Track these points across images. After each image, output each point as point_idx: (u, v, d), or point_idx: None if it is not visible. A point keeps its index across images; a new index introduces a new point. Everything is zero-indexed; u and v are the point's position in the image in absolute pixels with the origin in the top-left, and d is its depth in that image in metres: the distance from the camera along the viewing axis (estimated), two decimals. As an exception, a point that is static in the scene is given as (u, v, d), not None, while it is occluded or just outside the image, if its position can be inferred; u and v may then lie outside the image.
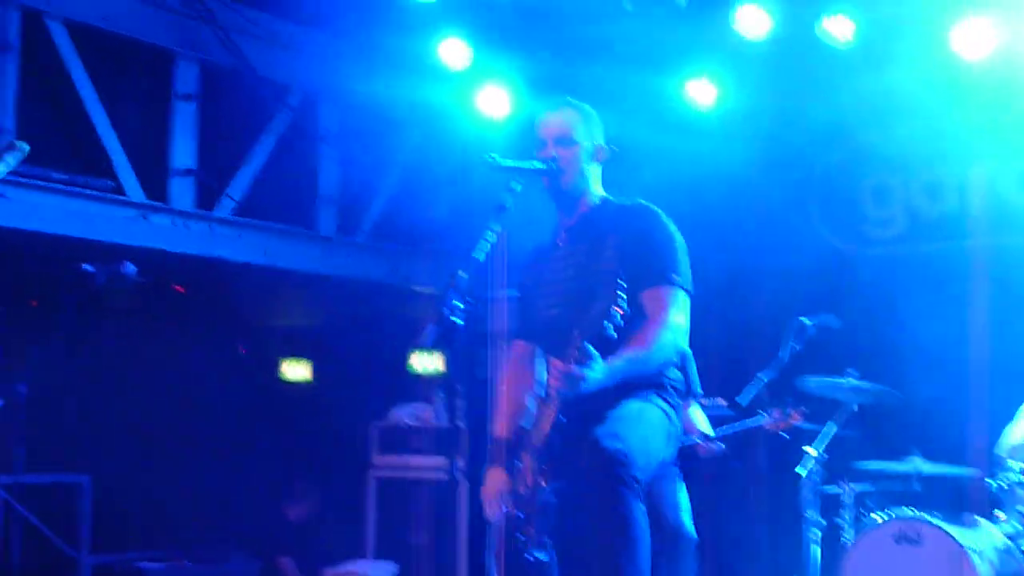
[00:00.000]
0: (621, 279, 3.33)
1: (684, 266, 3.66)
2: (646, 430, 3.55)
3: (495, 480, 3.75)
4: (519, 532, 3.70)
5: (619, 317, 3.22)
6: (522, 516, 3.68)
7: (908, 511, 5.59)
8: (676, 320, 3.59)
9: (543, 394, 3.60)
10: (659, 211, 3.78)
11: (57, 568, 7.25)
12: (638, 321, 3.49)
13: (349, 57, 7.80)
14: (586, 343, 3.26)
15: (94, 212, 6.84)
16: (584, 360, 3.31)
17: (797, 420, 5.67)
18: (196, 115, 7.34)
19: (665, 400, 3.73)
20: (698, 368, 5.64)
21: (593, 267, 3.67)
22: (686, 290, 3.61)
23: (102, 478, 7.66)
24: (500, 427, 3.89)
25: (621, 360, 3.42)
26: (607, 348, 3.38)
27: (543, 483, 3.53)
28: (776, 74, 7.00)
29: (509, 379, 4.00)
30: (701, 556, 6.47)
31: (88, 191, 6.83)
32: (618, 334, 3.33)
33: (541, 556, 3.60)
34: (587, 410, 3.47)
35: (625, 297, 3.22)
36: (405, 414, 8.18)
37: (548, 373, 3.43)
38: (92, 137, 6.89)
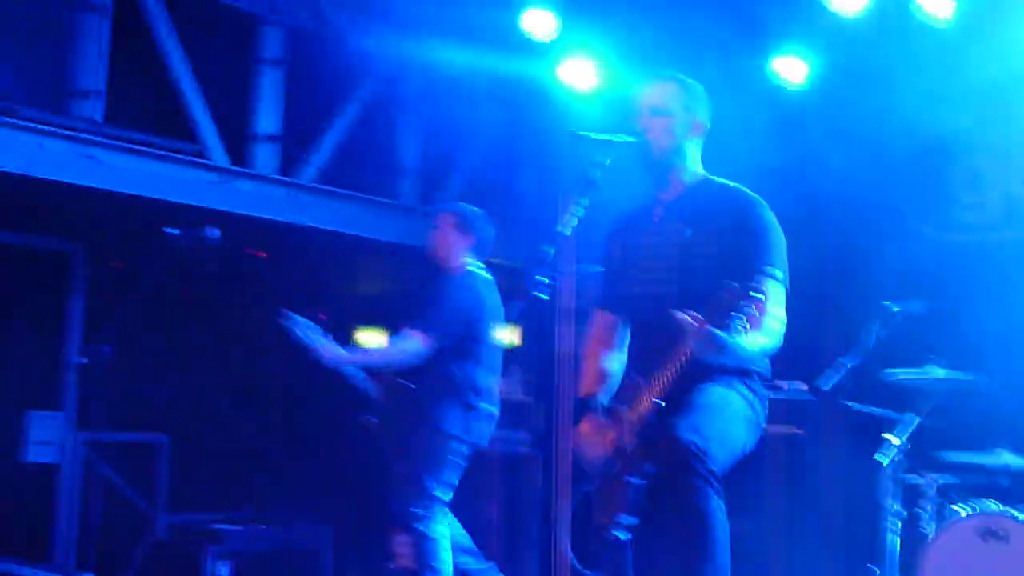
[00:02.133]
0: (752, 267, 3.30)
1: (782, 260, 3.58)
2: (727, 421, 3.51)
3: (590, 427, 3.70)
4: (602, 511, 3.63)
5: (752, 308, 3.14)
6: (606, 488, 3.63)
7: (994, 505, 5.37)
8: (777, 313, 3.52)
9: (642, 374, 3.54)
10: (760, 200, 3.68)
11: (134, 525, 7.29)
12: None
13: (434, 26, 7.70)
14: (735, 314, 3.17)
15: (178, 175, 6.87)
16: (726, 329, 3.21)
17: None
18: (281, 81, 7.32)
19: (750, 388, 3.65)
20: (780, 351, 5.51)
21: (694, 249, 3.60)
22: (784, 284, 3.51)
23: (180, 438, 7.68)
24: (586, 385, 3.83)
25: (742, 339, 3.31)
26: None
27: (640, 462, 3.47)
28: (868, 52, 6.77)
29: (594, 346, 3.92)
30: (777, 543, 6.34)
31: (173, 154, 6.85)
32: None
33: (621, 536, 3.53)
34: (673, 394, 3.41)
35: (762, 293, 3.13)
36: (480, 388, 8.10)
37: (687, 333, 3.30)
38: (178, 101, 6.91)
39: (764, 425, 3.71)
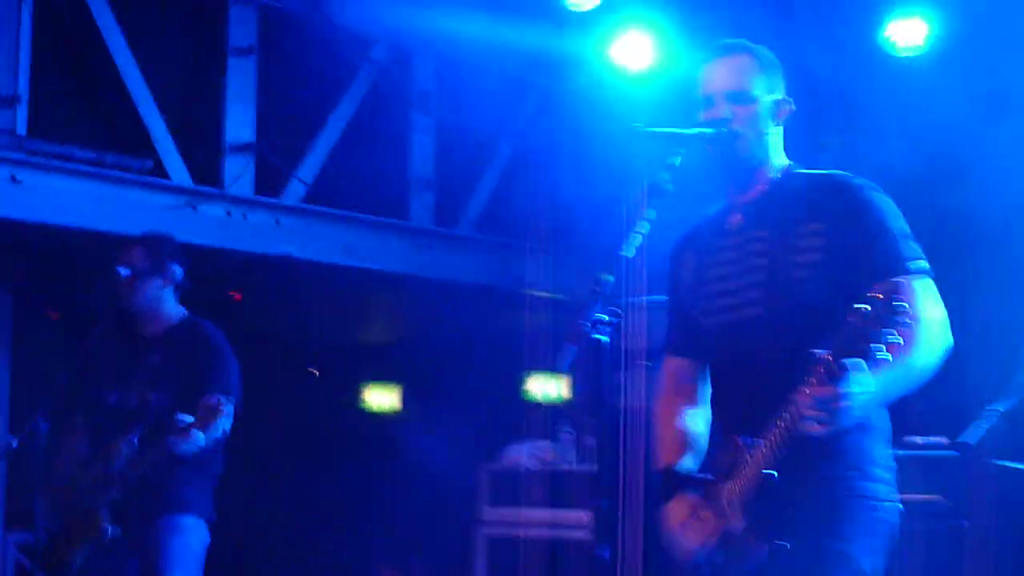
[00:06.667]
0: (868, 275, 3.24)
1: (917, 246, 3.46)
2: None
3: (681, 508, 3.61)
4: None
5: (896, 336, 3.00)
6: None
7: None
8: (934, 313, 3.39)
9: (747, 440, 3.47)
10: (868, 182, 3.56)
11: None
12: None
13: (449, -1, 7.69)
14: (843, 359, 3.04)
15: (129, 199, 6.84)
16: (842, 378, 3.07)
17: None
18: (255, 75, 7.31)
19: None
20: (912, 397, 5.44)
21: (787, 259, 3.51)
22: (930, 273, 3.42)
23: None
24: (665, 454, 3.75)
25: (894, 370, 3.16)
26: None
27: (753, 547, 3.41)
28: (996, 5, 6.74)
29: (668, 402, 3.85)
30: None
31: (122, 174, 6.81)
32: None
33: None
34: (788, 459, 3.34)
35: (904, 305, 2.98)
36: (522, 454, 8.06)
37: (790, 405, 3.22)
38: (126, 106, 6.88)
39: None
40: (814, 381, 3.10)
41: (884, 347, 2.99)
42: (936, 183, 6.80)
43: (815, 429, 3.16)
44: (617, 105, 7.26)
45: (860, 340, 3.00)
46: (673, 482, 3.66)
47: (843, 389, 3.08)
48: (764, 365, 3.47)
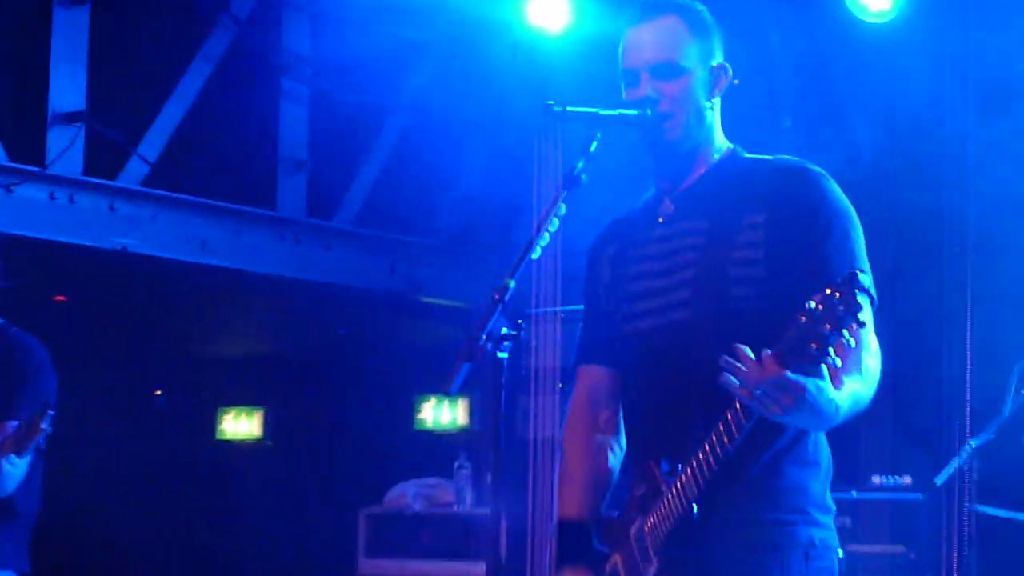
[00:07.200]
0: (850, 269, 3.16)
1: (866, 259, 3.51)
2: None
3: None
4: None
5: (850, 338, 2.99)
6: None
7: None
8: (874, 344, 3.44)
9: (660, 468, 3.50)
10: (822, 172, 3.61)
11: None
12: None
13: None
14: (822, 350, 3.01)
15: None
16: (803, 365, 3.04)
17: None
18: (88, 30, 7.23)
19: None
20: (873, 428, 5.43)
21: (723, 255, 3.55)
22: (872, 296, 3.39)
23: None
24: (570, 504, 3.75)
25: (847, 393, 3.23)
26: None
27: None
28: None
29: (577, 430, 3.83)
30: None
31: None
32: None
33: None
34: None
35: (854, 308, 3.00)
36: (410, 495, 7.93)
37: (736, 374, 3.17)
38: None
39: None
40: (778, 356, 3.09)
41: (834, 350, 3.02)
42: (908, 175, 6.85)
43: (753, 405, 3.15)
44: (532, 76, 7.20)
45: (811, 340, 3.02)
46: (574, 545, 3.68)
47: (811, 385, 3.09)
48: (690, 378, 3.48)
